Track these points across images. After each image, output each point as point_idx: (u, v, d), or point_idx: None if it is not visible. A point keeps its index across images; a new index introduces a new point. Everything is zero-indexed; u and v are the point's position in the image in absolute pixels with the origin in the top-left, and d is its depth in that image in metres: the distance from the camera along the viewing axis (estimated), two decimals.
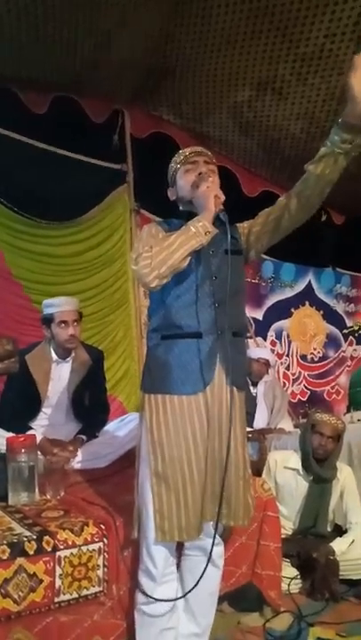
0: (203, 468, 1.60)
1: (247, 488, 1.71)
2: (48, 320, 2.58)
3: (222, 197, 1.61)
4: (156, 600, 1.60)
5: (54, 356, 2.60)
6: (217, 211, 1.58)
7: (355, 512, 2.53)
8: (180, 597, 1.66)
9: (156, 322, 1.69)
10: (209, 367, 1.61)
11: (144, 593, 1.63)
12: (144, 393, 1.69)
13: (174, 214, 1.76)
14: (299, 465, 2.57)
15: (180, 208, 1.74)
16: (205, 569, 1.60)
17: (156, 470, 1.61)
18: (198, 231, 1.55)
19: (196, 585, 1.60)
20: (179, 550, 1.74)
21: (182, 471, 1.59)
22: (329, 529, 2.59)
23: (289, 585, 2.31)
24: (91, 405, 2.71)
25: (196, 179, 1.67)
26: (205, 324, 1.62)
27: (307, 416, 2.80)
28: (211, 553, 1.60)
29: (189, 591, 1.65)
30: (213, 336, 1.62)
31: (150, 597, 1.61)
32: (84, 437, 2.52)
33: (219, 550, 1.76)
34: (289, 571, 2.36)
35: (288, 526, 2.54)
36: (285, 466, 2.60)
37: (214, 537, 1.59)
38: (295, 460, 2.59)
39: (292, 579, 2.33)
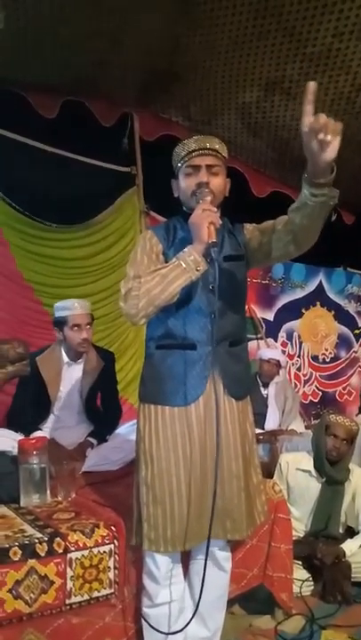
0: (192, 481, 1.58)
1: (253, 497, 1.70)
2: (60, 323, 2.58)
3: (218, 223, 1.52)
4: (159, 605, 1.61)
5: (65, 358, 2.61)
6: (210, 240, 1.49)
7: None
8: (189, 622, 1.64)
9: (151, 331, 1.68)
10: (201, 379, 1.60)
11: (148, 597, 1.64)
12: (139, 401, 1.69)
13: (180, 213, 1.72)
14: (311, 466, 2.56)
15: (183, 208, 1.70)
16: (204, 574, 1.58)
17: (145, 480, 1.61)
18: (189, 266, 1.50)
19: (201, 592, 1.59)
20: (187, 554, 1.74)
21: (170, 484, 1.58)
22: (341, 531, 2.57)
23: (301, 587, 2.30)
24: (103, 408, 2.73)
25: (195, 188, 1.59)
26: (200, 335, 1.60)
27: (319, 417, 2.78)
28: (206, 558, 1.58)
29: (195, 611, 1.63)
30: (208, 347, 1.60)
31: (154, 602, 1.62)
32: (93, 441, 2.52)
33: (225, 554, 1.76)
34: (300, 573, 2.35)
35: (300, 528, 2.53)
36: (297, 467, 2.59)
37: (208, 545, 1.56)
38: (307, 461, 2.58)
39: (303, 581, 2.32)
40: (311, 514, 2.54)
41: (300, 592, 2.29)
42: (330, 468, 2.51)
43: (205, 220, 1.50)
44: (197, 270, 1.50)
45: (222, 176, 1.64)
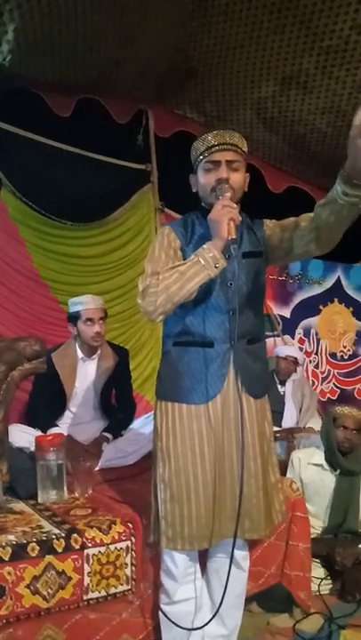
0: (209, 480, 1.58)
1: (270, 496, 1.68)
2: (74, 318, 2.62)
3: (238, 220, 1.50)
4: (177, 602, 1.61)
5: (80, 354, 2.64)
6: (229, 237, 1.47)
7: None
8: (208, 622, 1.64)
9: (169, 328, 1.67)
10: (219, 377, 1.59)
11: (166, 594, 1.64)
12: (156, 398, 1.69)
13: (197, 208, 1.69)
14: (323, 460, 2.55)
15: (202, 204, 1.67)
16: (228, 578, 1.58)
17: (162, 477, 1.61)
18: (208, 263, 1.48)
19: (224, 594, 1.59)
20: (205, 551, 1.73)
21: (187, 482, 1.57)
22: (360, 530, 2.54)
23: (319, 586, 2.27)
24: (117, 404, 2.74)
25: (215, 184, 1.55)
26: (218, 333, 1.59)
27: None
28: (231, 559, 1.58)
29: (217, 610, 1.62)
30: (226, 345, 1.59)
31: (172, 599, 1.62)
32: (109, 436, 2.54)
33: (243, 553, 1.75)
34: (319, 571, 2.33)
35: (317, 525, 2.51)
36: (309, 462, 2.58)
37: (233, 546, 1.57)
38: (319, 455, 2.58)
39: (322, 579, 2.30)
40: (328, 508, 2.52)
41: (319, 590, 2.26)
42: (343, 460, 2.50)
43: (225, 216, 1.47)
44: (216, 267, 1.49)
45: (242, 171, 1.60)
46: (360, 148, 1.26)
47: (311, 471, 2.56)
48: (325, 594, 2.29)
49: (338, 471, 2.51)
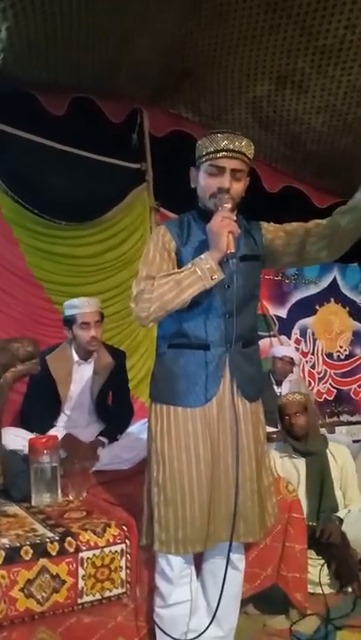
0: (204, 483, 1.57)
1: (264, 499, 1.68)
2: (69, 321, 2.57)
3: (237, 232, 1.49)
4: (172, 605, 1.60)
5: (75, 357, 2.60)
6: (228, 251, 1.46)
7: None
8: (208, 626, 1.62)
9: (164, 329, 1.66)
10: (214, 380, 1.58)
11: (161, 597, 1.63)
12: (151, 401, 1.68)
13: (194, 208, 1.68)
14: (290, 450, 2.59)
15: (199, 204, 1.65)
16: (225, 578, 1.57)
17: (157, 480, 1.60)
18: (204, 274, 1.48)
19: (220, 600, 1.58)
20: (200, 553, 1.72)
21: (182, 485, 1.56)
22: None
23: (320, 571, 2.24)
24: (114, 408, 2.71)
25: (216, 191, 1.53)
26: (214, 336, 1.58)
27: (334, 415, 2.79)
28: (227, 563, 1.57)
29: (215, 613, 1.61)
30: (222, 348, 1.58)
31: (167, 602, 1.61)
32: (104, 440, 2.51)
33: (239, 556, 1.74)
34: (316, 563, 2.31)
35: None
36: (281, 456, 2.62)
37: (229, 549, 1.56)
38: (285, 447, 2.63)
39: (321, 565, 2.27)
40: (306, 491, 2.50)
41: (320, 579, 2.23)
42: (301, 445, 2.55)
43: (225, 228, 1.47)
44: (212, 279, 1.49)
45: (244, 180, 1.59)
46: None
47: (285, 464, 2.60)
48: (327, 589, 2.25)
49: (305, 457, 2.55)
